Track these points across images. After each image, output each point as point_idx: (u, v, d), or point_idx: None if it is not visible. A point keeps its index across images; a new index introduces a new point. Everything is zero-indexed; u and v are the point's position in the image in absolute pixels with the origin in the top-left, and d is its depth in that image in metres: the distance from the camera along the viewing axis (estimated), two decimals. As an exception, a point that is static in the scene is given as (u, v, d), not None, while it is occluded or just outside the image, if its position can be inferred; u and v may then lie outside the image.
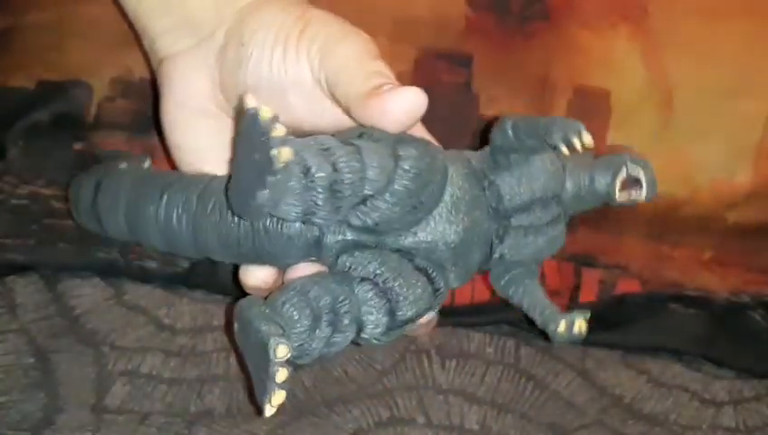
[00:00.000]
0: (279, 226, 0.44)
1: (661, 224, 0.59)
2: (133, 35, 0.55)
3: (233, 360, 0.54)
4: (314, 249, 0.44)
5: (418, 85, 0.47)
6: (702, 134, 0.57)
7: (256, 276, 0.47)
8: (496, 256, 0.46)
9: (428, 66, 0.57)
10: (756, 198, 0.58)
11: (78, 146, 0.59)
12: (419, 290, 0.43)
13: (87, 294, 0.57)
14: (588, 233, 0.58)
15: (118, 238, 0.50)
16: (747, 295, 0.60)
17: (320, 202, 0.40)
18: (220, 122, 0.50)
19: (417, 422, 0.53)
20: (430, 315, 0.46)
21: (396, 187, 0.42)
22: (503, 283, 0.48)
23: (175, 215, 0.46)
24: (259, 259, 0.46)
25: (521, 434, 0.53)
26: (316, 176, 0.39)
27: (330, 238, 0.44)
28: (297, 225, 0.44)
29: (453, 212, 0.44)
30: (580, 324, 0.45)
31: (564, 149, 0.42)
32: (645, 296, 0.59)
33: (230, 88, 0.48)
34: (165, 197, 0.47)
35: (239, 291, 0.47)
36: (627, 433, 0.54)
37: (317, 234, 0.44)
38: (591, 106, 0.57)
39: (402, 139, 0.43)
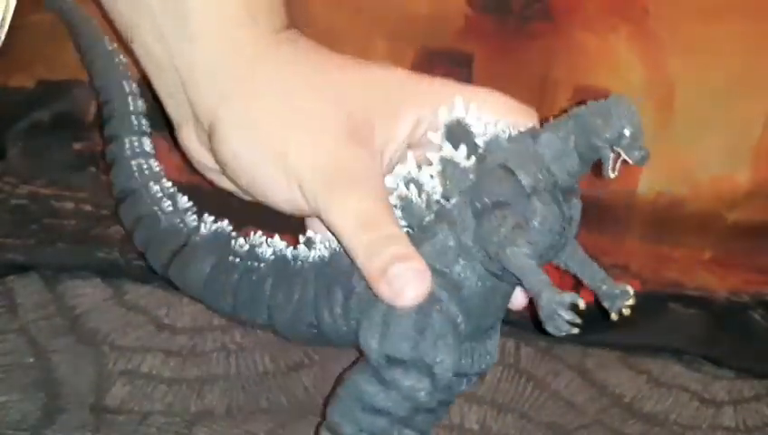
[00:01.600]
0: None
1: (661, 224, 0.59)
2: None
3: (233, 360, 0.54)
4: None
5: None
6: (702, 134, 0.57)
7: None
8: None
9: (428, 66, 0.57)
10: (756, 198, 0.58)
11: (78, 146, 0.59)
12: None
13: (87, 294, 0.57)
14: (588, 233, 0.58)
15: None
16: (747, 295, 0.60)
17: None
18: None
19: (418, 422, 0.53)
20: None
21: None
22: None
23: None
24: None
25: (521, 434, 0.53)
26: None
27: None
28: None
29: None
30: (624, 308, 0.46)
31: None
32: (645, 296, 0.59)
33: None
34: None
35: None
36: (627, 433, 0.54)
37: None
38: (591, 106, 0.57)
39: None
